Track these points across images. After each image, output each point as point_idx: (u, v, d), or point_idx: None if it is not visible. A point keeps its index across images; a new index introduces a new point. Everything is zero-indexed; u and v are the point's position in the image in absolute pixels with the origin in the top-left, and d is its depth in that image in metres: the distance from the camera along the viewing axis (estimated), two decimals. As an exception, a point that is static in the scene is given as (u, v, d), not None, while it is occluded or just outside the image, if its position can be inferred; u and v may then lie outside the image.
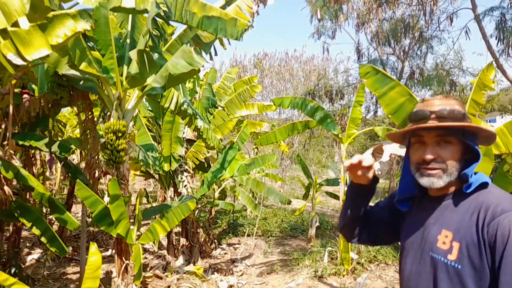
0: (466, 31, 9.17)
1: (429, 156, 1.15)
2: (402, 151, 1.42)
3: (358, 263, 5.95)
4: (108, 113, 4.41)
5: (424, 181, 1.17)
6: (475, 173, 1.17)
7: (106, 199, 4.50)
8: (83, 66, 3.30)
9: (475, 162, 1.15)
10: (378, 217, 1.45)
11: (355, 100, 5.87)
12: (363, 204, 1.41)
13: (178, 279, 4.95)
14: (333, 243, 7.13)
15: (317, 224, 8.24)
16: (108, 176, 6.22)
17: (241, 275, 6.35)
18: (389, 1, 8.75)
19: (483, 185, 1.14)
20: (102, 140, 3.79)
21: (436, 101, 1.20)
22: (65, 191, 11.31)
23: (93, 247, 2.34)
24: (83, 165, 6.83)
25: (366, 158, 1.29)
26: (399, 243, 1.40)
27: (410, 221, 1.31)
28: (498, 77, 9.46)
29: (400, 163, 10.12)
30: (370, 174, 1.31)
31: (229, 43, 4.75)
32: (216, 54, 4.61)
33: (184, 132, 6.58)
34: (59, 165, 10.16)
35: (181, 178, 6.55)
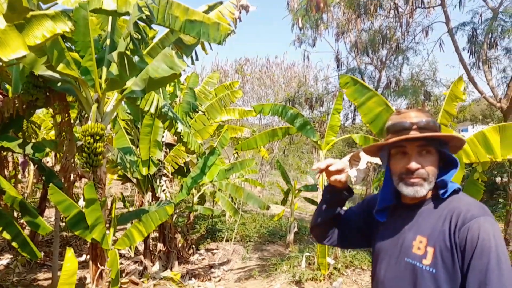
0: (440, 44, 9.55)
1: (414, 165, 1.19)
2: (378, 159, 1.47)
3: (334, 268, 6.03)
4: (86, 115, 4.33)
5: (408, 190, 1.21)
6: None
7: (81, 203, 4.40)
8: (60, 67, 3.23)
9: (452, 169, 1.22)
10: (350, 222, 1.49)
11: (334, 108, 5.99)
12: (336, 206, 1.44)
13: (154, 285, 4.88)
14: (311, 248, 7.19)
15: (295, 229, 8.29)
16: (84, 180, 6.09)
17: (219, 280, 6.31)
18: (368, 13, 9.02)
19: (456, 191, 1.21)
20: (79, 143, 3.71)
21: (412, 113, 1.25)
22: (38, 195, 10.94)
23: (69, 252, 2.29)
24: (57, 168, 6.65)
25: (336, 162, 1.31)
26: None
27: (385, 229, 1.34)
28: (470, 88, 9.88)
29: (376, 170, 10.35)
30: (343, 178, 1.33)
31: (211, 49, 4.77)
32: (197, 59, 4.61)
33: (163, 136, 6.52)
34: (31, 167, 9.86)
35: (160, 183, 6.46)
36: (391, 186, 1.29)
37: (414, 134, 1.20)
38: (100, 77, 3.85)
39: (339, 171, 1.32)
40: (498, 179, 16.10)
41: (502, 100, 7.17)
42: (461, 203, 1.17)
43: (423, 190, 1.20)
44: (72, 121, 4.62)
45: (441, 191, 1.21)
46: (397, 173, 1.24)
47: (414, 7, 9.14)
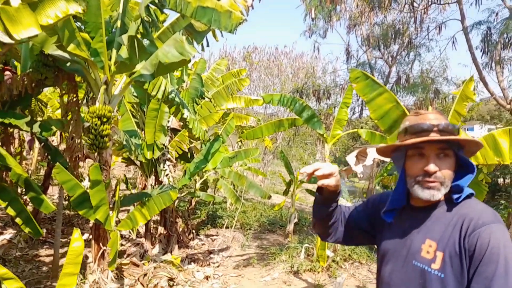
0: (453, 42, 9.41)
1: (433, 168, 1.17)
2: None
3: (333, 261, 6.08)
4: (93, 96, 4.33)
5: (425, 194, 1.19)
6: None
7: (86, 183, 4.43)
8: (71, 47, 3.22)
9: (468, 174, 1.20)
10: (355, 220, 1.47)
11: (342, 101, 5.95)
12: (328, 207, 1.41)
13: (155, 268, 4.95)
14: (310, 239, 7.24)
15: (296, 220, 8.34)
16: (88, 160, 6.12)
17: (218, 266, 6.39)
18: (382, 6, 8.86)
19: (468, 196, 1.20)
20: (86, 124, 3.72)
21: (431, 115, 1.23)
22: (42, 172, 11.04)
23: (76, 233, 2.31)
24: (62, 147, 6.68)
25: (324, 167, 1.26)
26: (375, 245, 1.43)
27: (391, 229, 1.33)
28: (480, 88, 9.78)
29: (380, 165, 10.33)
30: (332, 182, 1.27)
31: (222, 35, 4.73)
32: (208, 45, 4.58)
33: (169, 121, 6.52)
34: (36, 145, 9.92)
35: (163, 167, 6.50)
36: (404, 188, 1.27)
37: (434, 136, 1.18)
38: (110, 59, 3.83)
39: (326, 176, 1.26)
40: (500, 180, 16.07)
41: (512, 102, 7.10)
42: (473, 208, 1.16)
43: (439, 194, 1.18)
44: (79, 102, 4.62)
45: (455, 196, 1.19)
46: (414, 175, 1.22)
47: (430, 3, 8.97)
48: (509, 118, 9.89)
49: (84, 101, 5.58)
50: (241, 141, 12.23)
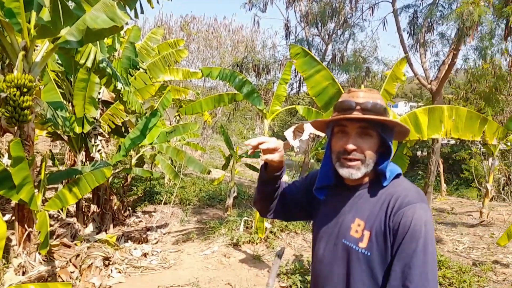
0: (384, 23, 9.94)
1: (350, 146, 1.19)
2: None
3: (271, 232, 6.32)
4: (10, 63, 3.85)
5: (343, 171, 1.22)
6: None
7: (5, 160, 4.01)
8: (-20, 5, 2.79)
9: (387, 157, 1.23)
10: (293, 196, 1.48)
11: (281, 77, 6.00)
12: (273, 184, 1.40)
13: (88, 248, 4.72)
14: (249, 212, 7.42)
15: (235, 194, 8.45)
16: (7, 134, 5.50)
17: (156, 243, 6.30)
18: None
19: (396, 176, 1.24)
20: (3, 94, 3.32)
21: (360, 93, 1.23)
22: (-51, 148, 9.73)
23: (-5, 217, 2.09)
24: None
25: (269, 141, 1.24)
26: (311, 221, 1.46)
27: (325, 207, 1.35)
28: (405, 68, 10.52)
29: (315, 139, 10.79)
30: (276, 157, 1.25)
31: (158, 2, 4.45)
32: (142, 12, 4.27)
33: (100, 93, 6.08)
34: None
35: (95, 142, 6.10)
36: (331, 165, 1.28)
37: (356, 114, 1.19)
38: (29, 22, 3.41)
39: (271, 150, 1.24)
40: (419, 153, 17.81)
41: (433, 82, 7.77)
42: (400, 188, 1.20)
43: (358, 173, 1.20)
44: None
45: (382, 179, 1.23)
46: (335, 151, 1.24)
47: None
48: (429, 97, 10.85)
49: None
50: (179, 115, 11.91)
